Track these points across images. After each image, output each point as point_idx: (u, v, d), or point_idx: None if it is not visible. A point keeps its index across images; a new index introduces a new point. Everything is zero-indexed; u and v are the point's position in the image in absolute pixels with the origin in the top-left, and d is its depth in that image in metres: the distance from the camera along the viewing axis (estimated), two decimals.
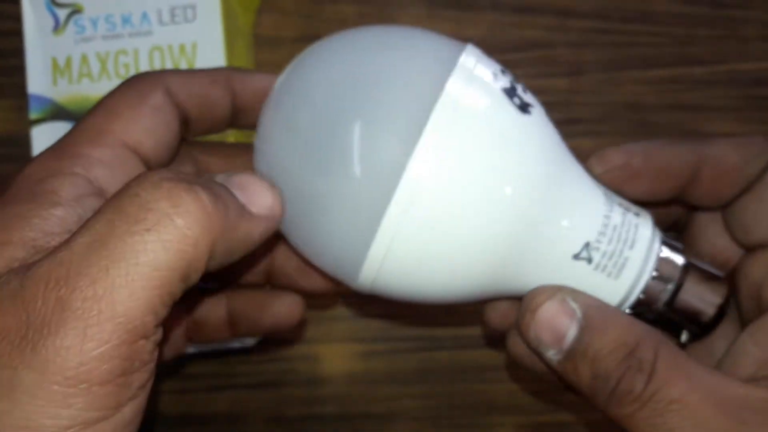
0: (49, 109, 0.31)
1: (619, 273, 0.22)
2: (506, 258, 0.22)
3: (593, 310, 0.22)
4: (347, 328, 0.36)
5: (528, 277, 0.22)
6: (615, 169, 0.24)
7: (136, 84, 0.23)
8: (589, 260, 0.22)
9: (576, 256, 0.22)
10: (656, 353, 0.21)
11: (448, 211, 0.20)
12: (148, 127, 0.22)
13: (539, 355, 0.23)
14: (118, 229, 0.17)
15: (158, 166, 0.23)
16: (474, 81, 0.21)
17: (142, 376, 0.18)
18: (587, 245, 0.22)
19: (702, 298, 0.23)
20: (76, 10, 0.31)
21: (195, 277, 0.18)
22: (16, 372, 0.16)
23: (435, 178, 0.20)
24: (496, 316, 0.26)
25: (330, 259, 0.22)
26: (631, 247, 0.22)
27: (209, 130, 0.25)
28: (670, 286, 0.23)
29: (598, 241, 0.22)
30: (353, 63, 0.21)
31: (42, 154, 0.21)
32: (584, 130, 0.36)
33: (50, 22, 0.31)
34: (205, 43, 0.30)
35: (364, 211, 0.20)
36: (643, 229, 0.23)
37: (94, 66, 0.31)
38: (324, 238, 0.21)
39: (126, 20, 0.31)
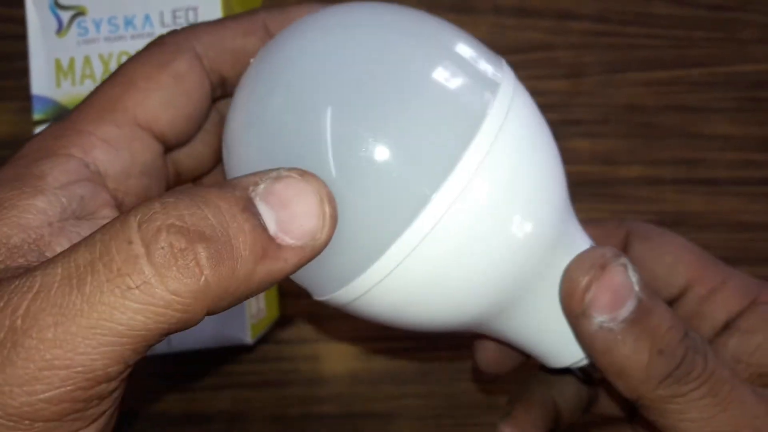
0: (53, 110, 0.31)
1: None
2: (504, 300, 0.21)
3: (648, 286, 0.21)
4: (348, 328, 0.36)
5: (518, 319, 0.22)
6: None
7: (159, 49, 0.21)
8: None
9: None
10: (701, 338, 0.22)
11: (465, 249, 0.19)
12: (166, 99, 0.20)
13: (578, 322, 0.21)
14: (99, 274, 0.15)
15: (179, 140, 0.21)
16: (514, 111, 0.19)
17: (102, 408, 0.16)
18: None
19: None
20: (79, 13, 0.31)
21: (187, 328, 0.16)
22: None
23: (460, 215, 0.18)
24: (487, 356, 0.26)
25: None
26: None
27: None
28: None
29: None
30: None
31: (45, 129, 0.19)
32: (584, 132, 0.36)
33: (54, 24, 0.31)
34: None
35: (376, 229, 0.18)
36: None
37: (97, 67, 0.31)
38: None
39: (128, 22, 0.31)
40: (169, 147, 0.21)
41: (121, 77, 0.20)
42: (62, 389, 0.15)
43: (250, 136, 0.20)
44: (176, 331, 0.16)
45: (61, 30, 0.31)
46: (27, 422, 0.15)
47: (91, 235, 0.15)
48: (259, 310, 0.32)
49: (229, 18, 0.22)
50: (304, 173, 0.17)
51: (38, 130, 0.31)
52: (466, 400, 0.36)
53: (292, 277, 0.18)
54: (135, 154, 0.20)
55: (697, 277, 0.25)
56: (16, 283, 0.15)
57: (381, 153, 0.18)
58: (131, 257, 0.15)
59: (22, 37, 0.31)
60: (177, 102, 0.20)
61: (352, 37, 0.19)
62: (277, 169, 0.17)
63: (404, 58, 0.19)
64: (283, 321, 0.36)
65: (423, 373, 0.36)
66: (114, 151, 0.19)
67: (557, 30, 0.36)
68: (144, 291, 0.15)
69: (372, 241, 0.19)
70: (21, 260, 0.16)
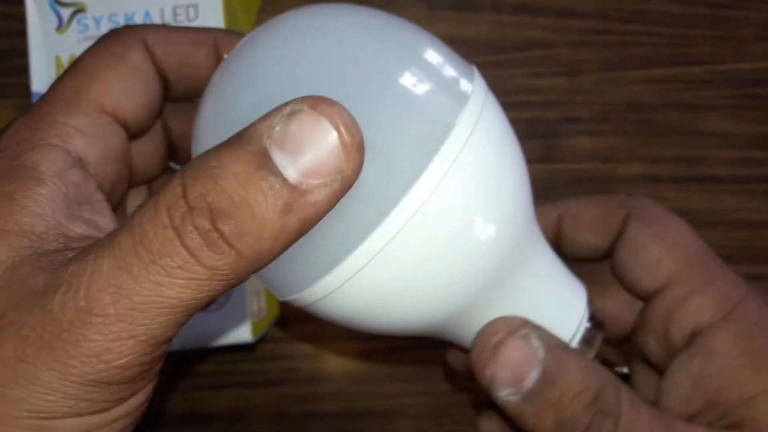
0: None
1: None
2: (467, 304, 0.21)
3: (556, 351, 0.21)
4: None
5: (480, 325, 0.22)
6: None
7: (114, 41, 0.21)
8: None
9: None
10: (618, 396, 0.21)
11: (436, 249, 0.19)
12: (126, 89, 0.21)
13: (489, 394, 0.22)
14: (143, 257, 0.16)
15: (138, 130, 0.22)
16: (485, 116, 0.20)
17: (159, 366, 0.18)
18: None
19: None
20: (79, 9, 0.31)
21: (239, 284, 0.17)
22: (35, 368, 0.16)
23: (424, 221, 0.18)
24: (459, 363, 0.27)
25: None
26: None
27: (191, 94, 0.23)
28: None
29: None
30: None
31: (15, 123, 0.20)
32: (584, 130, 0.36)
33: (54, 21, 0.31)
34: None
35: (342, 231, 0.18)
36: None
37: None
38: None
39: (129, 19, 0.31)
40: (131, 136, 0.22)
41: (81, 69, 0.21)
42: (131, 356, 0.16)
43: (220, 135, 0.19)
44: (227, 291, 0.17)
45: (61, 27, 0.31)
46: (103, 386, 0.16)
47: (128, 220, 0.16)
48: (260, 309, 0.32)
49: (178, 27, 0.23)
50: (315, 103, 0.16)
51: None
52: (466, 398, 0.36)
53: (256, 275, 0.19)
54: (107, 140, 0.21)
55: (680, 275, 0.24)
56: (73, 268, 0.16)
57: None
58: (168, 241, 0.16)
59: (22, 33, 0.31)
60: (136, 92, 0.21)
61: (321, 38, 0.19)
62: (290, 102, 0.16)
63: (376, 62, 0.19)
64: (283, 320, 0.36)
65: (423, 371, 0.36)
66: (89, 139, 0.20)
67: (557, 27, 0.36)
68: (186, 270, 0.16)
69: (337, 243, 0.19)
70: (55, 244, 0.17)
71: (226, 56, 0.22)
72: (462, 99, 0.19)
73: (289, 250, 0.17)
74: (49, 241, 0.17)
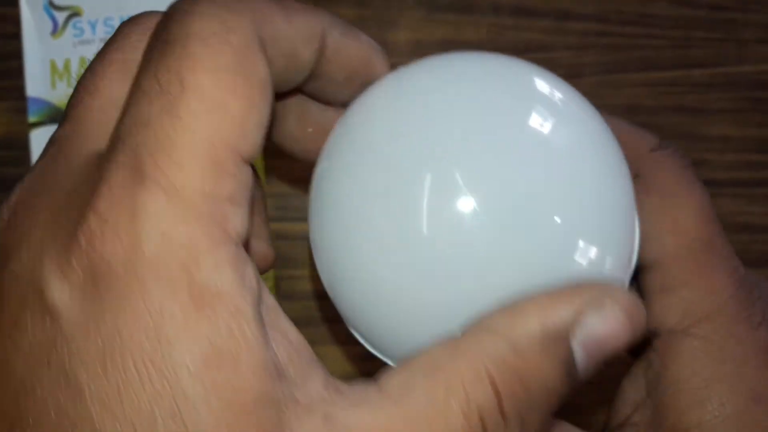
0: (48, 112, 0.31)
1: None
2: None
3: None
4: (345, 331, 0.36)
5: None
6: None
7: (228, 40, 0.15)
8: None
9: None
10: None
11: None
12: (259, 121, 0.15)
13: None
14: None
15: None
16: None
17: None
18: None
19: None
20: (74, 14, 0.31)
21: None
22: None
23: None
24: None
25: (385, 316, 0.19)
26: None
27: (276, 90, 0.18)
28: None
29: None
30: None
31: (151, 193, 0.14)
32: None
33: (49, 25, 0.31)
34: None
35: None
36: None
37: None
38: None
39: None
40: None
41: (204, 98, 0.14)
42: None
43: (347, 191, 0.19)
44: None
45: (56, 31, 0.31)
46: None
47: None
48: None
49: (290, 7, 0.17)
50: (628, 307, 0.16)
51: (34, 132, 0.31)
52: None
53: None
54: (250, 197, 0.16)
55: (662, 264, 0.21)
56: None
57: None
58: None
59: (16, 35, 0.30)
60: (265, 119, 0.16)
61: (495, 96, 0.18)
62: (600, 291, 0.16)
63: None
64: None
65: None
66: (241, 209, 0.15)
67: (556, 30, 0.36)
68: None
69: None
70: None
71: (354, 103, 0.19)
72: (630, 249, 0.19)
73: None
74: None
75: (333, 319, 0.35)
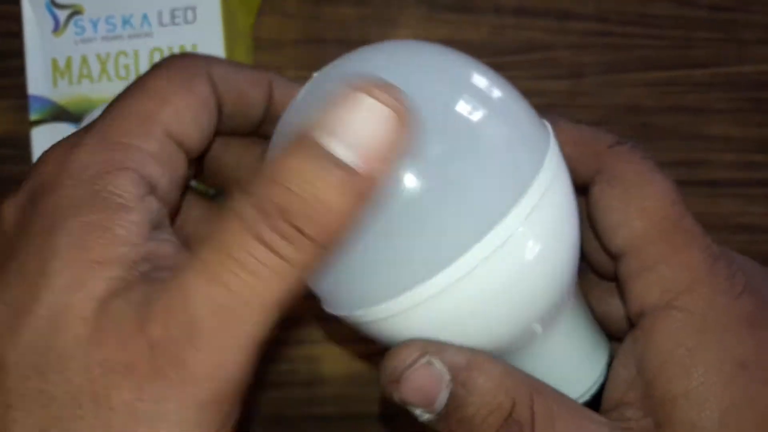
0: (50, 110, 0.31)
1: None
2: (514, 342, 0.22)
3: (461, 372, 0.20)
4: (348, 329, 0.36)
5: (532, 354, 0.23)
6: None
7: (180, 68, 0.21)
8: None
9: None
10: (532, 410, 0.20)
11: (499, 293, 0.20)
12: (195, 118, 0.20)
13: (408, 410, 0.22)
14: (228, 264, 0.16)
15: (194, 158, 0.22)
16: (558, 175, 0.21)
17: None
18: None
19: None
20: (76, 12, 0.31)
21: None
22: (156, 404, 0.16)
23: (501, 260, 0.19)
24: None
25: (339, 272, 0.20)
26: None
27: (235, 131, 0.23)
28: None
29: None
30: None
31: (84, 141, 0.19)
32: None
33: (50, 23, 0.31)
34: (205, 45, 0.30)
35: (419, 259, 0.19)
36: None
37: (94, 67, 0.31)
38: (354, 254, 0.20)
39: (126, 21, 0.31)
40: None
41: (149, 91, 0.20)
42: (238, 364, 0.17)
43: None
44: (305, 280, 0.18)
45: (57, 29, 0.31)
46: (216, 405, 0.17)
47: (205, 237, 0.17)
48: None
49: (239, 63, 0.23)
50: (360, 86, 0.16)
51: (35, 130, 0.31)
52: None
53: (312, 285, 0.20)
54: (175, 168, 0.20)
55: (635, 248, 0.22)
56: (167, 293, 0.17)
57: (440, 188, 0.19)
58: (248, 244, 0.16)
59: (17, 34, 0.30)
60: (203, 121, 0.21)
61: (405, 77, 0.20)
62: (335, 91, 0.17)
63: (463, 106, 0.20)
64: (282, 322, 0.36)
65: None
66: (161, 167, 0.20)
67: (557, 30, 0.36)
68: (270, 266, 0.17)
69: (413, 270, 0.19)
70: (145, 270, 0.18)
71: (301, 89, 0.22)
72: (543, 148, 0.21)
73: (367, 263, 0.19)
74: (140, 269, 0.18)
75: (332, 318, 0.35)
